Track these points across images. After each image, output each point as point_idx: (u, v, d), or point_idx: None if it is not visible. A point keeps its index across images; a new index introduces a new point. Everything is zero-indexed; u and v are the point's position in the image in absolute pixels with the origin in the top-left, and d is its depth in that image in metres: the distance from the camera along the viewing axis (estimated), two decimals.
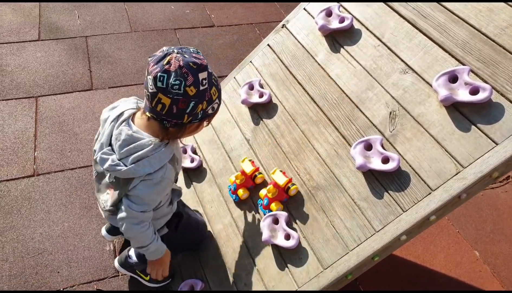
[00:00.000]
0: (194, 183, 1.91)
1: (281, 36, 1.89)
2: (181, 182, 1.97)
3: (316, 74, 1.69)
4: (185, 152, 1.97)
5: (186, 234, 1.68)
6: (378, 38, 1.58)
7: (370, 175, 1.39)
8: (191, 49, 1.19)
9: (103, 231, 1.88)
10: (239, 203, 1.70)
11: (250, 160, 1.68)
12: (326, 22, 1.71)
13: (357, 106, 1.53)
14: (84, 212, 2.04)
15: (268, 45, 1.91)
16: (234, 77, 1.98)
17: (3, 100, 2.54)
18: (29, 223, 1.97)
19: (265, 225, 1.53)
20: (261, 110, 1.80)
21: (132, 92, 2.73)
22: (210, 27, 3.48)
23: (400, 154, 1.35)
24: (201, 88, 1.16)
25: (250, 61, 1.95)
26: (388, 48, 1.54)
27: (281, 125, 1.71)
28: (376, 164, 1.36)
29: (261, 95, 1.78)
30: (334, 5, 1.73)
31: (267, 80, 1.84)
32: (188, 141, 2.02)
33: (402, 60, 1.48)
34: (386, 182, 1.35)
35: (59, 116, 2.49)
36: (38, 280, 1.78)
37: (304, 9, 1.87)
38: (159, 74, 1.12)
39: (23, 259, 1.84)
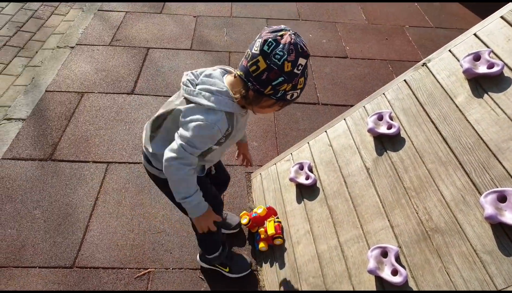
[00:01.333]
0: (305, 199, 1.98)
1: (419, 74, 1.88)
2: (292, 197, 2.05)
3: (453, 116, 1.64)
4: (301, 168, 2.05)
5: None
6: None
7: (499, 229, 1.30)
8: (302, 38, 1.26)
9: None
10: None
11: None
12: (473, 66, 1.66)
13: (494, 155, 1.44)
14: None
15: (404, 80, 1.92)
16: (364, 106, 2.02)
17: (154, 95, 2.95)
18: (155, 204, 2.23)
19: (372, 255, 1.52)
20: (387, 142, 1.80)
21: None
22: (343, 58, 3.58)
23: None
24: (295, 70, 1.22)
25: (383, 93, 1.97)
26: None
27: (406, 160, 1.69)
28: (509, 217, 1.27)
29: (389, 127, 1.79)
30: (484, 50, 1.68)
31: (398, 114, 1.84)
32: (306, 159, 2.10)
33: None
34: None
35: None
36: (154, 255, 2.01)
37: (450, 50, 1.84)
38: (270, 39, 1.19)
39: (145, 234, 2.09)
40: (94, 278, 1.89)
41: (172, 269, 1.96)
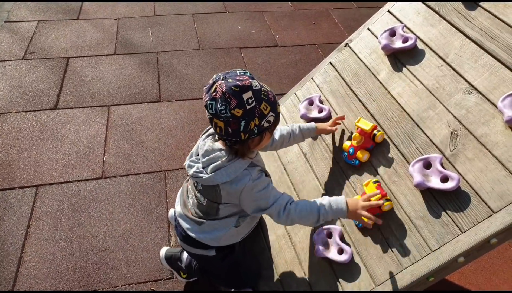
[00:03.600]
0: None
1: (343, 55, 1.93)
2: None
3: (377, 92, 1.70)
4: None
5: (232, 270, 1.67)
6: (442, 59, 1.57)
7: (428, 194, 1.37)
8: (237, 72, 1.27)
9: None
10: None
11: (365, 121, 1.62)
12: (389, 41, 1.72)
13: (417, 125, 1.52)
14: (145, 215, 2.17)
15: (330, 63, 1.96)
16: (295, 93, 2.04)
17: (80, 107, 2.79)
18: (95, 222, 2.12)
19: (318, 238, 1.54)
20: None
21: (197, 105, 2.88)
22: (274, 47, 3.60)
23: (460, 174, 1.32)
24: (248, 107, 1.22)
25: (311, 78, 2.00)
26: (452, 68, 1.53)
27: (339, 140, 1.73)
28: (434, 182, 1.34)
29: (320, 111, 1.82)
30: (398, 26, 1.75)
31: (327, 97, 1.88)
32: None
33: (466, 81, 1.46)
34: (445, 201, 1.32)
35: (128, 125, 2.69)
36: (99, 275, 1.91)
37: (368, 29, 1.90)
38: (208, 102, 1.24)
39: (87, 255, 1.98)
40: None
41: (122, 286, 1.87)
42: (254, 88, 1.23)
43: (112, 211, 2.17)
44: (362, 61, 1.84)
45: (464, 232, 1.24)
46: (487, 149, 1.31)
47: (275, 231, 1.77)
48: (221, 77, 1.24)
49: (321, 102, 1.87)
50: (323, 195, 1.67)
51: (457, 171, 1.34)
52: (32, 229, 2.06)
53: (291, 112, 2.01)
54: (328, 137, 1.78)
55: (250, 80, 1.24)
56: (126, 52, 3.35)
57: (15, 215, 2.11)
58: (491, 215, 1.21)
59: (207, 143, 1.40)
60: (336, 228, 1.53)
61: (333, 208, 1.38)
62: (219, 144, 1.38)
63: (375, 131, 1.57)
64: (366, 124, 1.57)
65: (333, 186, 1.66)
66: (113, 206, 2.19)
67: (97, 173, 2.35)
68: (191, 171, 1.39)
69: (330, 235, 1.54)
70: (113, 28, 3.65)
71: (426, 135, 1.47)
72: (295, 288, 1.58)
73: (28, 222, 2.08)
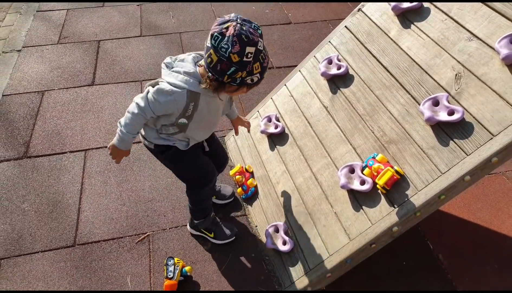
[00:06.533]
0: (277, 146, 2.22)
1: (357, 18, 2.15)
2: (265, 147, 2.28)
3: (389, 48, 1.93)
4: (269, 120, 2.28)
5: (181, 165, 1.82)
6: (446, 14, 1.80)
7: (437, 127, 1.60)
8: (252, 24, 1.34)
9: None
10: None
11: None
12: (398, 2, 1.95)
13: (426, 72, 1.74)
14: None
15: (345, 26, 2.18)
16: (314, 56, 2.27)
17: (115, 83, 3.05)
18: (140, 178, 2.39)
19: (342, 173, 1.78)
20: (339, 81, 2.06)
21: None
22: (288, 24, 3.83)
23: (464, 108, 1.55)
24: (245, 59, 1.32)
25: (329, 41, 2.23)
26: (455, 21, 1.75)
27: (357, 92, 1.96)
28: (442, 116, 1.57)
29: (339, 68, 2.05)
30: None
31: (345, 56, 2.11)
32: (271, 111, 2.34)
33: (468, 30, 1.68)
34: (452, 131, 1.55)
35: None
36: (149, 220, 2.17)
37: None
38: (215, 33, 1.31)
39: (136, 204, 2.25)
40: (98, 250, 2.03)
41: (169, 228, 2.14)
42: (258, 47, 1.34)
43: (155, 168, 2.43)
44: (374, 22, 2.07)
45: (469, 154, 1.47)
46: (487, 85, 1.53)
47: (303, 174, 2.01)
48: (238, 20, 1.32)
49: (339, 60, 2.10)
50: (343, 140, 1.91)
51: (462, 105, 1.57)
52: (85, 185, 2.33)
53: (311, 73, 2.24)
54: (347, 91, 2.01)
55: (259, 38, 1.35)
56: (151, 34, 3.60)
57: (70, 174, 2.39)
58: (491, 138, 1.44)
59: (188, 57, 1.54)
60: (357, 164, 1.77)
61: (125, 141, 1.62)
62: (200, 68, 1.49)
63: (244, 167, 2.28)
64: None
65: (353, 132, 1.90)
66: (155, 164, 2.45)
67: (137, 138, 2.61)
68: (164, 61, 1.55)
69: (352, 170, 1.78)
70: (137, 13, 3.90)
71: (434, 79, 1.70)
72: (323, 219, 1.83)
73: (81, 180, 2.36)
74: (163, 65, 1.57)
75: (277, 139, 2.24)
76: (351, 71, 2.04)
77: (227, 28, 1.30)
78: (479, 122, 1.50)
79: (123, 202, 2.25)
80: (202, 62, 1.49)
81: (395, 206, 1.60)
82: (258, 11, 4.00)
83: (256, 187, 2.22)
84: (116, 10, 3.91)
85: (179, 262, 1.89)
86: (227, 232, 2.06)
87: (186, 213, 2.20)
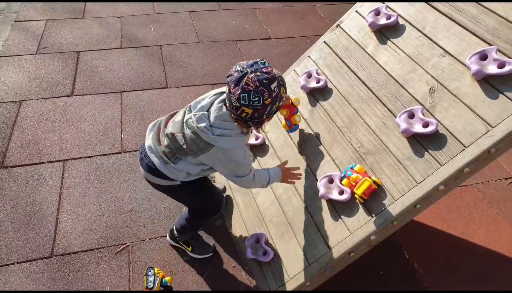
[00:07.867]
0: (258, 157, 2.25)
1: (335, 34, 2.23)
2: None
3: (367, 62, 2.00)
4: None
5: (199, 196, 1.85)
6: (420, 31, 1.88)
7: (413, 139, 1.66)
8: (259, 63, 1.40)
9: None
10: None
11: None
12: (375, 19, 2.03)
13: (402, 86, 1.82)
14: None
15: (324, 42, 2.25)
16: (294, 70, 2.33)
17: (94, 94, 3.03)
18: (119, 188, 2.37)
19: (321, 183, 1.82)
20: (318, 94, 2.12)
21: (201, 91, 3.15)
22: (267, 39, 3.91)
23: (438, 120, 1.62)
24: (274, 94, 1.41)
25: (308, 56, 2.29)
26: (429, 38, 1.83)
27: (336, 105, 2.02)
28: (418, 128, 1.64)
29: (318, 81, 2.11)
30: (381, 6, 2.06)
31: (323, 70, 2.17)
32: None
33: (441, 47, 1.77)
34: (427, 143, 1.62)
35: (140, 108, 2.94)
36: (128, 231, 2.16)
37: (356, 11, 2.20)
38: (241, 95, 1.37)
39: (116, 215, 2.23)
40: (76, 261, 2.00)
41: (149, 239, 2.12)
42: (277, 77, 1.41)
43: (134, 179, 2.42)
44: (352, 38, 2.14)
45: (443, 165, 1.53)
46: (458, 99, 1.61)
47: (282, 184, 2.04)
48: (249, 70, 1.37)
49: (318, 74, 2.16)
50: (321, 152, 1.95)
51: (436, 118, 1.64)
52: (64, 196, 2.30)
53: (291, 86, 2.30)
54: (326, 103, 2.07)
55: (273, 70, 1.41)
56: (131, 46, 3.61)
57: (47, 185, 2.35)
58: (463, 149, 1.51)
59: (223, 108, 1.51)
60: (336, 174, 1.82)
61: (273, 177, 1.79)
62: (230, 115, 1.52)
63: (290, 100, 1.98)
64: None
65: (331, 143, 1.94)
66: (135, 175, 2.44)
67: (117, 148, 2.60)
68: (201, 125, 1.49)
69: (331, 181, 1.83)
70: (117, 25, 3.90)
71: (409, 93, 1.77)
72: (303, 229, 1.86)
73: (60, 190, 2.32)
74: (194, 121, 1.52)
75: (258, 150, 2.27)
76: (329, 85, 2.10)
77: (246, 84, 1.36)
78: (452, 134, 1.57)
79: (102, 213, 2.23)
80: (233, 116, 1.50)
81: (373, 215, 1.64)
82: (238, 26, 4.06)
83: (298, 125, 2.09)
84: (96, 22, 3.90)
85: (159, 273, 1.88)
86: (206, 246, 2.07)
87: (166, 224, 2.19)
